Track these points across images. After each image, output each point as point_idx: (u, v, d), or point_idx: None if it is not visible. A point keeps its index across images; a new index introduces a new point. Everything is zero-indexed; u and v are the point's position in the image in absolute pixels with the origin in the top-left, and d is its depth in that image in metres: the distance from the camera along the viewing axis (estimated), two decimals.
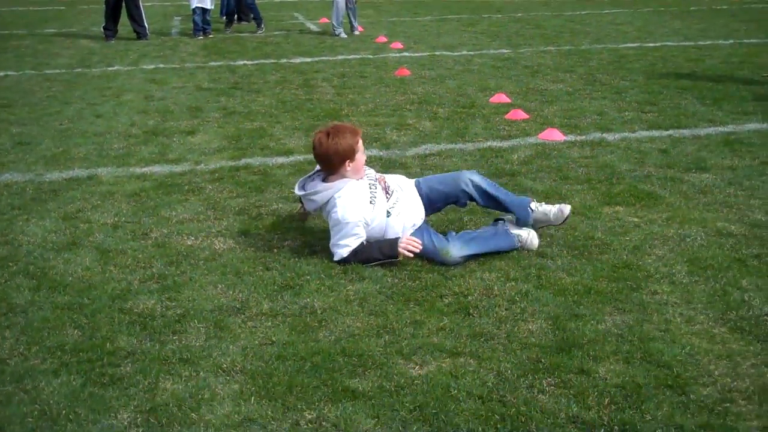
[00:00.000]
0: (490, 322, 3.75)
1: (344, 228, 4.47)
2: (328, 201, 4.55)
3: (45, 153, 6.74)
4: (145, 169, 6.28)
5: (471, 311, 3.87)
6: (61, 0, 20.33)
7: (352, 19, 14.10)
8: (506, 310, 3.88)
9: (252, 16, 14.52)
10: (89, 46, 12.61)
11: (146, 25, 13.58)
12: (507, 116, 7.72)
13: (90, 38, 13.50)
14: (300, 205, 4.92)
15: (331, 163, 4.56)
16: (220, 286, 4.22)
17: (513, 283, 4.18)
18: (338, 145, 4.49)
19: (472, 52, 11.56)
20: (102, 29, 13.38)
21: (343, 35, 13.74)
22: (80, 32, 14.35)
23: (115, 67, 10.74)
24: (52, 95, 8.98)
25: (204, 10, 13.46)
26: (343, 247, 4.50)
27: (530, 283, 4.17)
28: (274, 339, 3.64)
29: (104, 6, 13.26)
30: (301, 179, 4.74)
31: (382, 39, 12.81)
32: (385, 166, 6.21)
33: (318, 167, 4.71)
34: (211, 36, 13.64)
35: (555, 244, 4.68)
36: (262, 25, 14.22)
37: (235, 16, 14.71)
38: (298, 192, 4.67)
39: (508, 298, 4.01)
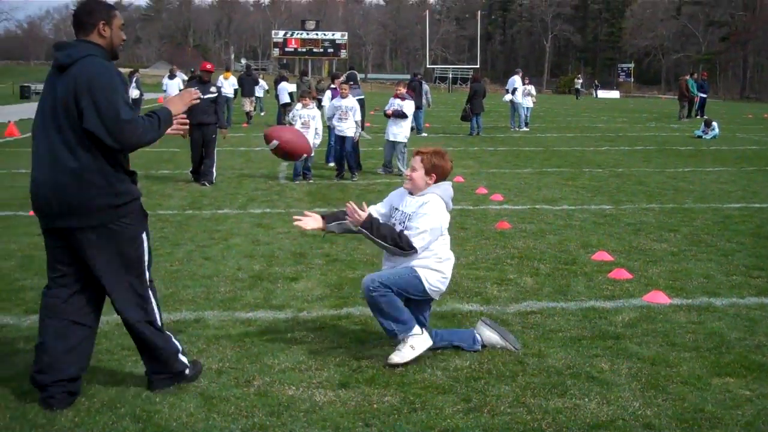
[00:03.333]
0: None
1: None
2: None
3: None
4: (249, 315, 6.43)
5: None
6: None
7: (400, 164, 15.21)
8: None
9: (349, 165, 14.90)
10: (200, 189, 13.17)
11: (213, 171, 14.04)
12: (610, 275, 7.65)
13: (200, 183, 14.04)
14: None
15: None
16: None
17: None
18: None
19: (572, 207, 11.59)
20: (190, 173, 14.08)
21: (380, 170, 15.58)
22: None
23: (224, 211, 11.18)
24: (164, 236, 9.36)
25: (306, 157, 14.06)
26: None
27: None
28: None
29: (191, 151, 14.01)
30: None
31: (483, 190, 12.99)
32: None
33: None
34: (311, 181, 14.12)
35: (663, 416, 4.54)
36: (356, 176, 14.71)
37: (344, 164, 15.18)
38: None
39: None
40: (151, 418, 4.49)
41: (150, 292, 4.76)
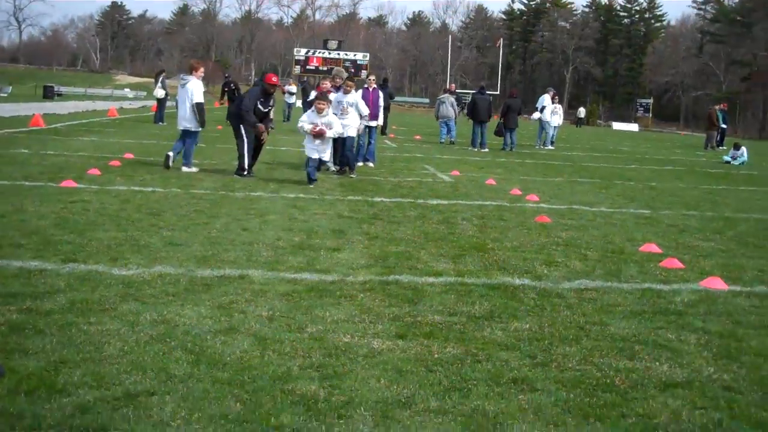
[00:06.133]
0: None
1: None
2: None
3: (196, 254, 6.78)
4: (295, 275, 6.21)
5: None
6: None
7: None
8: None
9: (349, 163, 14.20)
10: (232, 176, 12.97)
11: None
12: (661, 264, 7.40)
13: (231, 173, 13.71)
14: None
15: None
16: (382, 380, 4.00)
17: (703, 411, 3.82)
18: None
19: (610, 209, 11.34)
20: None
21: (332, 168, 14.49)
22: (220, 166, 14.80)
23: (258, 193, 10.98)
24: (200, 210, 9.17)
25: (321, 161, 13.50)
26: None
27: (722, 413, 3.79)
28: None
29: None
30: None
31: (517, 192, 12.75)
32: (540, 295, 5.99)
33: None
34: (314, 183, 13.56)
35: (741, 380, 4.32)
36: (353, 174, 14.04)
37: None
38: None
39: (701, 425, 3.65)
40: (204, 351, 4.28)
41: None
